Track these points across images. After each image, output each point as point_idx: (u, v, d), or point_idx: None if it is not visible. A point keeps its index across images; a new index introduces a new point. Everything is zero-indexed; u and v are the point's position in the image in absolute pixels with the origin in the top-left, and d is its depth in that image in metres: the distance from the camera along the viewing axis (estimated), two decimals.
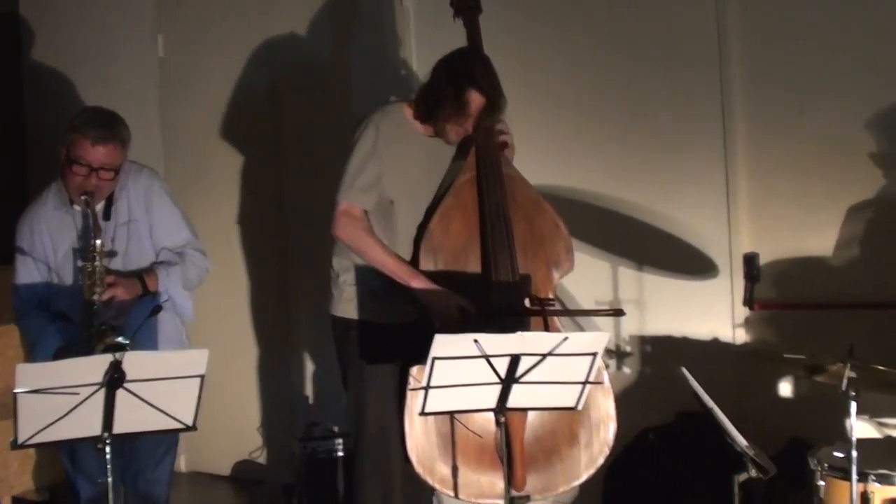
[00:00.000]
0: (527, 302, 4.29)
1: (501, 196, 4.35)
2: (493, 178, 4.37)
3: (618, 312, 4.80)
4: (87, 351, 3.86)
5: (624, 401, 5.01)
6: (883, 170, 4.80)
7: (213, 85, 6.37)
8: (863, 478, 3.52)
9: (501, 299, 4.25)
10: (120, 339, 3.90)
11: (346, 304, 4.46)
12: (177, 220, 4.42)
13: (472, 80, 4.26)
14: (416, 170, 4.42)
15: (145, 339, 4.05)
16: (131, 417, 3.39)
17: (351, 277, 4.44)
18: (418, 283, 4.24)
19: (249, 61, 6.25)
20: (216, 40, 6.37)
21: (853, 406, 3.38)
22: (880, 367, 3.36)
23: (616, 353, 5.34)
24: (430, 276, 4.26)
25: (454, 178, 4.42)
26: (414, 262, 4.33)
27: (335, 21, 6.03)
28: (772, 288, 4.96)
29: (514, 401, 3.53)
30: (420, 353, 3.73)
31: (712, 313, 5.14)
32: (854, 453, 3.39)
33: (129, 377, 3.29)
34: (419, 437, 4.11)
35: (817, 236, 4.95)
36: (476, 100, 4.27)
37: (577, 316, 5.21)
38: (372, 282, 4.40)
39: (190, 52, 6.49)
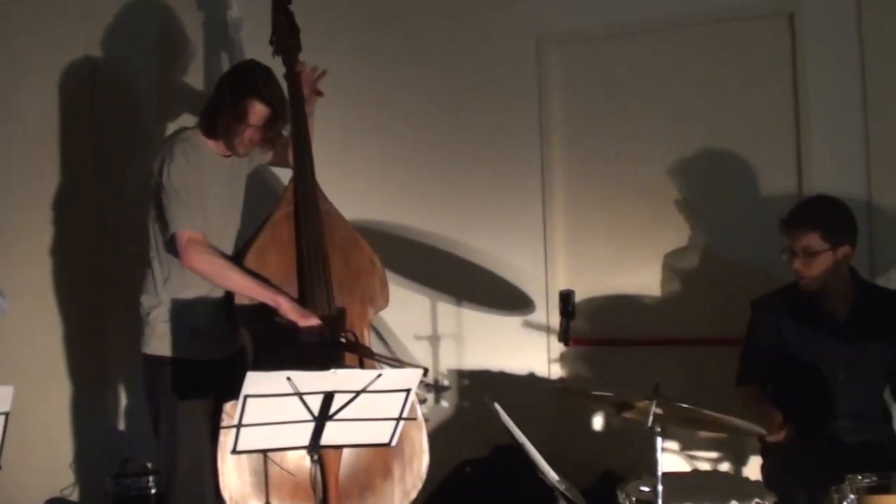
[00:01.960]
0: (342, 338, 4.27)
1: (318, 231, 4.34)
2: (309, 213, 4.37)
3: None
4: None
5: (442, 434, 5.07)
6: (688, 214, 4.97)
7: (33, 108, 6.19)
8: None
9: (317, 333, 4.22)
10: None
11: (159, 342, 4.35)
12: None
13: (251, 89, 4.24)
14: (217, 191, 4.38)
15: None
16: None
17: (163, 314, 4.34)
18: (286, 301, 4.18)
19: (70, 87, 6.10)
20: (36, 61, 6.20)
21: (659, 441, 3.46)
22: (683, 405, 3.44)
23: (434, 387, 5.37)
24: (252, 308, 4.21)
25: (271, 212, 4.40)
26: (230, 294, 4.28)
27: (161, 50, 5.93)
28: (587, 324, 5.07)
29: (327, 438, 3.50)
30: (235, 389, 3.68)
31: (529, 348, 5.24)
32: (660, 487, 3.46)
33: None
34: (231, 475, 4.06)
35: (631, 275, 5.10)
36: (257, 109, 4.25)
37: (381, 361, 5.13)
38: (187, 318, 4.33)
39: (8, 74, 6.30)
